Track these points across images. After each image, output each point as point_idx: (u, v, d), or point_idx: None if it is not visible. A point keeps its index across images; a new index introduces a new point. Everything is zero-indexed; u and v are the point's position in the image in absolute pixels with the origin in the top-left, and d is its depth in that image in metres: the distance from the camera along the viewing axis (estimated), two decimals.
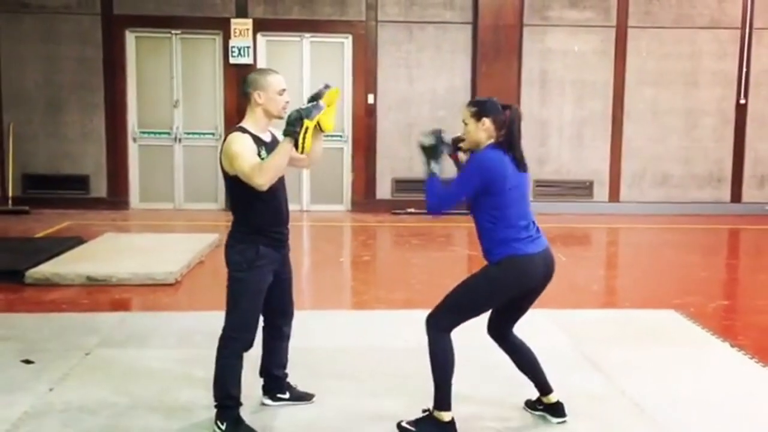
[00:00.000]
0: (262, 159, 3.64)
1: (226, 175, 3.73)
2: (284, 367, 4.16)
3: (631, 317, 6.01)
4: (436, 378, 3.75)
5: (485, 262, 3.80)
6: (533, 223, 3.83)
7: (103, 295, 6.62)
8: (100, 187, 11.51)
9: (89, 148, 11.43)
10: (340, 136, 11.58)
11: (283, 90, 3.79)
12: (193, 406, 4.11)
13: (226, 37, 11.28)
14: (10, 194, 11.20)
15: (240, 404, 3.78)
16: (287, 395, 4.17)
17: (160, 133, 11.57)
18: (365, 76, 11.51)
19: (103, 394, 4.24)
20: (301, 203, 11.60)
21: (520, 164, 3.78)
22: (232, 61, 11.29)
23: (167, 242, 8.55)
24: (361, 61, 11.50)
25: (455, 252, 9.03)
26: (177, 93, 11.51)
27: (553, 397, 4.01)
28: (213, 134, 11.56)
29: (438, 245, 9.45)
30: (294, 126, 3.56)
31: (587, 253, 9.39)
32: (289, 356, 4.16)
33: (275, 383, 4.14)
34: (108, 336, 5.32)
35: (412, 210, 11.24)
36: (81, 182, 11.45)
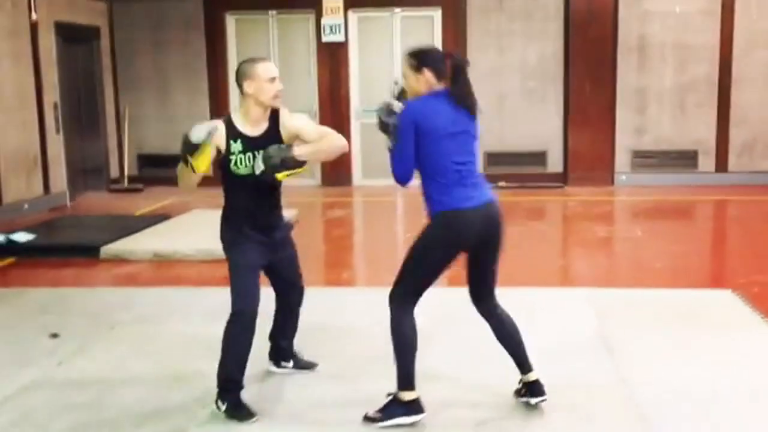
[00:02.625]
0: (232, 153, 3.64)
1: None
2: (290, 338, 4.19)
3: (680, 298, 5.49)
4: (397, 357, 3.55)
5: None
6: (474, 175, 3.56)
7: (165, 270, 6.78)
8: None
9: None
10: (307, 112, 11.29)
11: (274, 78, 3.69)
12: (194, 381, 4.06)
13: (319, 16, 11.24)
14: (126, 173, 11.73)
15: (241, 388, 3.70)
16: (291, 363, 4.21)
17: None
18: (454, 47, 11.14)
19: (106, 369, 4.32)
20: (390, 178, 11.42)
21: (470, 109, 3.55)
22: (324, 39, 11.25)
23: None
24: (451, 32, 11.14)
25: (534, 228, 8.61)
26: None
27: (532, 376, 3.71)
28: (308, 113, 11.58)
29: (522, 220, 9.06)
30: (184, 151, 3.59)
31: (672, 227, 8.65)
32: (336, 329, 4.34)
33: (280, 352, 4.20)
34: (142, 311, 5.42)
35: (503, 184, 10.85)
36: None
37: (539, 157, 11.18)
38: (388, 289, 3.62)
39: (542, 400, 3.70)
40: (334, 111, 11.47)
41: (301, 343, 4.27)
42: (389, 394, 3.64)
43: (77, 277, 6.66)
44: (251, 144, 3.67)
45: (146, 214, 9.45)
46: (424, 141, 3.48)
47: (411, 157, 3.51)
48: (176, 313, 5.37)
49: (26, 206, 9.45)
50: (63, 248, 7.29)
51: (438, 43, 11.14)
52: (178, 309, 5.45)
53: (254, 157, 3.65)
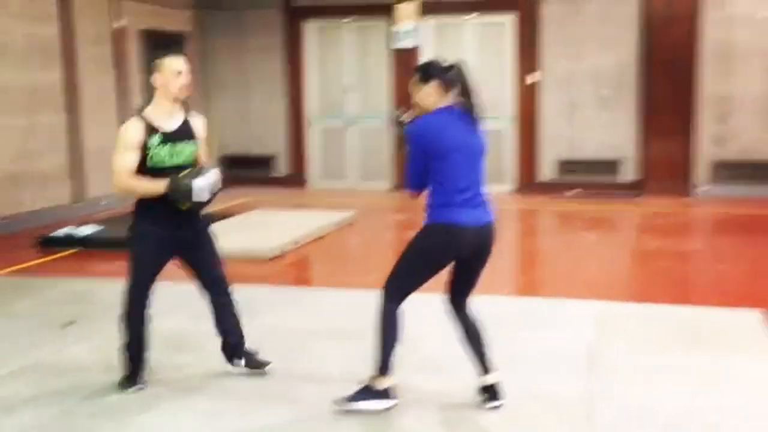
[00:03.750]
0: (148, 147, 3.71)
1: None
2: (233, 333, 4.13)
3: (701, 316, 5.10)
4: (379, 345, 3.64)
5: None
6: (478, 191, 3.61)
7: None
8: (282, 167, 12.08)
9: (274, 131, 12.03)
10: (504, 117, 11.10)
11: (180, 72, 3.77)
12: (165, 371, 4.17)
13: (393, 23, 11.24)
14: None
15: (141, 357, 3.94)
16: (242, 362, 4.16)
17: (335, 116, 11.86)
18: (528, 54, 10.88)
19: (93, 357, 4.45)
20: (347, 180, 11.61)
21: (474, 121, 3.59)
22: (397, 45, 11.24)
23: (296, 219, 8.75)
24: (525, 38, 10.88)
25: (586, 237, 8.26)
26: (350, 78, 11.70)
27: (489, 379, 3.70)
28: (380, 120, 11.62)
29: (578, 230, 8.73)
30: (180, 196, 3.71)
31: (737, 243, 7.97)
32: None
33: (228, 349, 4.17)
34: (157, 305, 5.54)
35: (572, 192, 10.51)
36: (266, 162, 12.09)
37: (612, 166, 10.73)
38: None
39: (497, 405, 3.67)
40: None
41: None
42: (362, 381, 3.70)
43: (120, 268, 6.89)
44: (167, 138, 3.77)
45: (213, 212, 9.68)
46: (432, 156, 3.52)
47: (422, 172, 3.57)
48: (182, 307, 5.45)
49: (104, 202, 9.91)
50: (117, 242, 7.57)
51: (511, 50, 10.94)
52: (186, 304, 5.52)
53: (170, 150, 3.76)
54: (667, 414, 3.61)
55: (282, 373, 4.15)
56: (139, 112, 3.80)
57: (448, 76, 3.57)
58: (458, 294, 3.73)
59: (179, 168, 3.77)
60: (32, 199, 8.83)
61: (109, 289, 5.94)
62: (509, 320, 4.97)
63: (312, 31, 11.78)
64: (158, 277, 3.94)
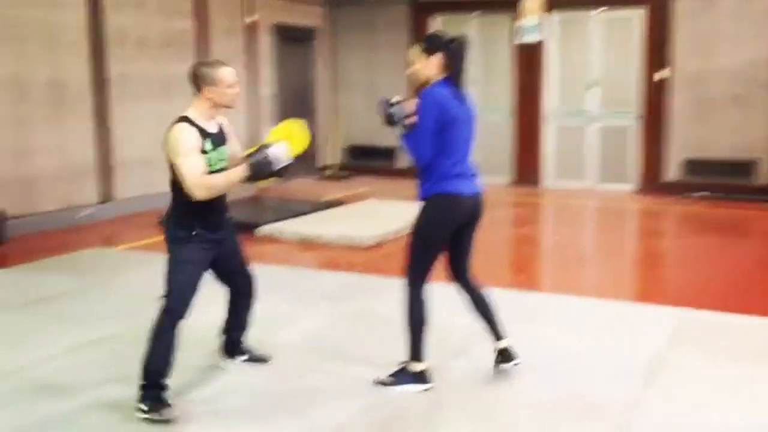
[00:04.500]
0: (206, 152, 3.55)
1: (170, 161, 3.57)
2: (244, 330, 4.15)
3: None
4: (409, 332, 3.74)
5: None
6: (471, 164, 3.74)
7: (301, 251, 7.17)
8: (403, 160, 12.18)
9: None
10: (630, 114, 10.69)
11: (232, 84, 3.62)
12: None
13: (518, 17, 11.07)
14: (335, 162, 12.45)
15: (167, 387, 3.58)
16: (245, 356, 4.18)
17: None
18: (657, 50, 10.40)
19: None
20: (587, 181, 11.02)
21: (463, 97, 3.67)
22: (522, 40, 11.06)
23: (405, 210, 8.78)
24: (654, 34, 10.40)
25: (699, 242, 7.83)
26: (474, 74, 11.63)
27: (502, 343, 3.91)
28: (504, 114, 11.49)
29: (692, 234, 8.29)
30: (262, 172, 3.54)
31: None
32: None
33: (235, 345, 4.16)
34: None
35: (700, 194, 9.97)
36: (389, 154, 12.22)
37: (744, 168, 10.05)
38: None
39: (515, 364, 3.90)
40: (528, 112, 11.26)
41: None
42: (401, 363, 3.82)
43: None
44: (216, 141, 3.65)
45: (331, 200, 9.93)
46: (443, 125, 3.57)
47: (433, 138, 3.57)
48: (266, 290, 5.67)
49: None
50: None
51: (639, 45, 10.50)
52: (272, 287, 5.75)
53: (218, 155, 3.62)
54: (711, 430, 3.41)
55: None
56: (185, 118, 3.59)
57: (452, 49, 3.62)
58: (458, 265, 3.85)
59: (222, 171, 3.64)
60: (164, 182, 9.41)
61: None
62: (591, 322, 4.89)
63: (437, 26, 11.80)
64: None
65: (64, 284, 5.78)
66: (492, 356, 3.94)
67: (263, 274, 6.08)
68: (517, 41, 11.11)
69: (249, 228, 7.76)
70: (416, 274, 3.70)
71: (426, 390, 3.75)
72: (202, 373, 4.05)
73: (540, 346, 4.39)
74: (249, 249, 7.11)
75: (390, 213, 8.59)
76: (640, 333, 4.68)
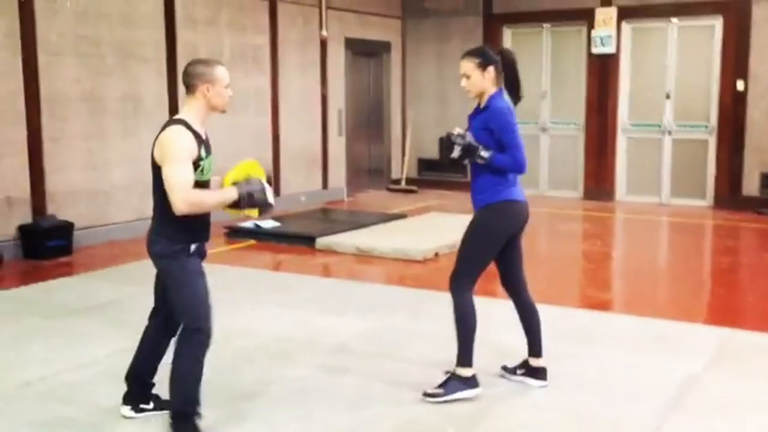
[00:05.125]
0: (201, 159, 3.28)
1: (154, 163, 3.30)
2: (156, 368, 3.63)
3: None
4: (460, 337, 3.77)
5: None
6: None
7: (354, 264, 7.21)
8: None
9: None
10: (705, 126, 10.30)
11: (228, 85, 3.39)
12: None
13: (591, 28, 10.84)
14: (404, 175, 12.47)
15: (198, 412, 3.35)
16: (151, 405, 3.65)
17: (528, 122, 11.63)
18: (735, 60, 9.98)
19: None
20: (660, 196, 10.65)
21: (519, 98, 3.85)
22: (594, 51, 10.83)
23: (457, 223, 8.71)
24: (732, 43, 9.99)
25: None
26: (545, 84, 11.46)
27: (539, 362, 3.96)
28: (575, 124, 11.26)
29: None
30: (252, 202, 3.34)
31: None
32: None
33: (146, 389, 3.65)
34: (292, 294, 5.90)
35: None
36: (461, 167, 12.15)
37: None
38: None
39: (542, 386, 3.92)
40: (600, 123, 10.99)
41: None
42: (447, 372, 3.84)
43: (275, 261, 7.38)
44: (207, 149, 3.39)
45: (394, 213, 9.97)
46: None
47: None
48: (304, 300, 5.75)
49: (303, 198, 10.59)
50: (291, 236, 8.12)
51: (717, 55, 10.11)
52: (312, 296, 5.83)
53: (209, 163, 3.37)
54: None
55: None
56: (181, 120, 3.31)
57: (504, 62, 3.78)
58: (513, 275, 3.93)
59: (208, 183, 3.43)
60: None
61: (253, 278, 6.48)
62: (631, 341, 4.77)
63: (511, 36, 11.69)
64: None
65: (122, 291, 6.00)
66: (521, 362, 4.03)
67: (306, 284, 6.30)
68: (592, 52, 10.86)
69: (310, 239, 7.88)
70: (467, 281, 3.76)
71: (478, 394, 3.77)
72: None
73: (573, 363, 4.30)
74: (306, 260, 7.39)
75: (449, 226, 8.49)
76: (678, 353, 4.53)
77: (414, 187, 12.19)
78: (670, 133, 10.53)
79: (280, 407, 3.81)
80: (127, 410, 3.63)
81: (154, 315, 3.61)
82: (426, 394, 3.77)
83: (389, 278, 6.69)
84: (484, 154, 3.70)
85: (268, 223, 8.46)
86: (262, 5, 9.99)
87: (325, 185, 11.20)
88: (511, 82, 3.77)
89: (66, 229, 7.52)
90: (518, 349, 4.10)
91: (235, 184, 3.38)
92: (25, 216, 7.47)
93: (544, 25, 11.32)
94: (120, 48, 8.25)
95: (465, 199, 10.43)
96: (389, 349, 4.67)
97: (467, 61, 3.73)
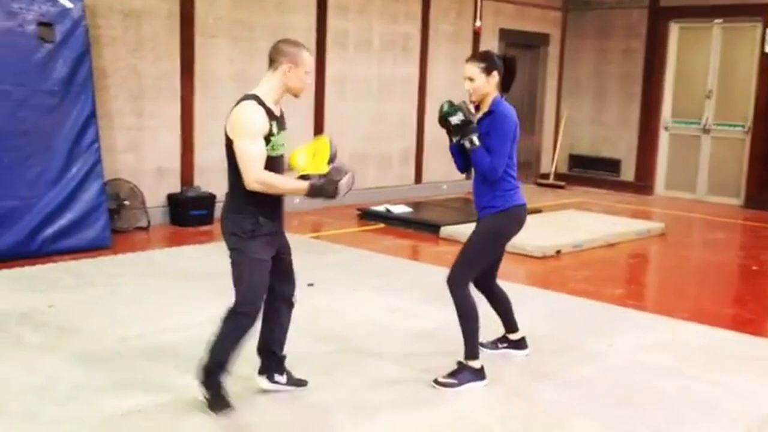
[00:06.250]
0: (272, 135, 3.30)
1: (228, 140, 3.32)
2: (283, 344, 3.67)
3: None
4: (465, 332, 3.83)
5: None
6: None
7: None
8: (629, 171, 11.51)
9: (624, 134, 11.50)
10: (742, 126, 9.60)
11: (308, 72, 3.40)
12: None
13: (766, 25, 9.92)
14: (553, 170, 12.07)
15: (227, 372, 3.46)
16: (284, 378, 3.71)
17: (690, 123, 10.90)
18: None
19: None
20: (695, 192, 10.33)
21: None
22: None
23: (599, 222, 8.35)
24: None
25: None
26: (711, 83, 10.64)
27: (517, 335, 4.27)
28: (743, 126, 10.37)
29: None
30: (324, 193, 3.32)
31: None
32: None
33: (275, 363, 3.68)
34: (386, 279, 5.89)
35: None
36: (614, 165, 11.62)
37: None
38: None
39: (526, 354, 4.24)
40: None
41: None
42: (459, 362, 3.87)
43: (395, 246, 7.37)
44: (281, 125, 3.40)
45: (531, 207, 9.61)
46: (513, 140, 3.79)
47: (506, 157, 3.78)
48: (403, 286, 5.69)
49: (444, 186, 10.53)
50: (417, 222, 8.11)
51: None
52: (418, 285, 5.76)
53: (281, 139, 3.37)
54: None
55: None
56: (254, 96, 3.32)
57: (506, 68, 3.82)
58: (491, 273, 4.08)
59: (281, 158, 3.43)
60: (376, 177, 9.80)
61: (366, 261, 6.52)
62: (725, 362, 4.34)
63: (676, 32, 10.95)
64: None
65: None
66: (500, 337, 4.30)
67: (414, 271, 6.25)
68: (765, 51, 9.96)
69: (435, 227, 7.84)
70: (467, 276, 3.83)
71: (485, 386, 3.83)
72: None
73: (657, 379, 3.99)
74: (425, 248, 7.35)
75: (582, 224, 8.18)
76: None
77: (562, 183, 11.79)
78: None
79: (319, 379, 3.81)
80: (263, 381, 3.68)
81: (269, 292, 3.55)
82: (437, 382, 3.82)
83: (504, 274, 6.49)
84: (475, 140, 3.73)
85: (398, 209, 8.50)
86: None
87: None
88: (504, 86, 3.84)
89: (208, 200, 7.94)
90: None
91: (308, 177, 3.36)
92: (174, 186, 7.98)
93: (716, 20, 10.49)
94: (272, 32, 8.55)
95: (612, 198, 10.11)
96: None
97: (472, 65, 3.77)
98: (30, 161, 6.39)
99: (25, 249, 6.26)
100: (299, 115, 8.98)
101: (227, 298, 3.43)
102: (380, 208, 8.45)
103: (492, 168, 3.72)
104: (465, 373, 3.83)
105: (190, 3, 7.87)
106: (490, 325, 4.21)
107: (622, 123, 11.47)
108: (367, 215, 8.47)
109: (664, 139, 11.15)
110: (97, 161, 6.80)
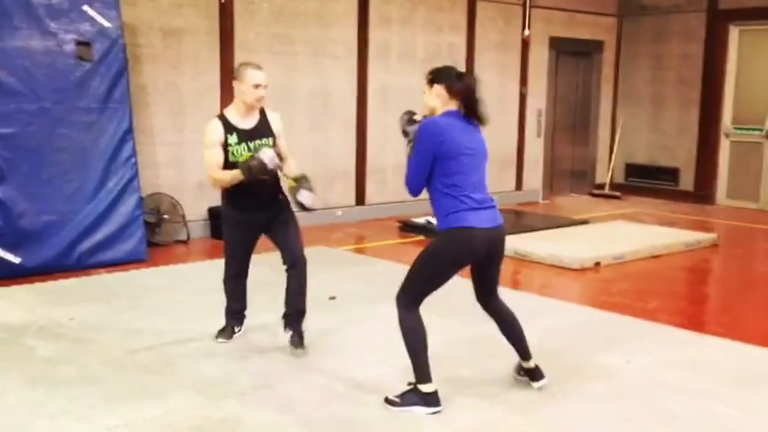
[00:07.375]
0: (230, 145, 4.14)
1: None
2: (290, 304, 4.38)
3: None
4: (408, 353, 3.62)
5: None
6: (485, 194, 3.60)
7: (505, 266, 6.81)
8: (688, 181, 11.01)
9: (683, 142, 11.02)
10: (760, 130, 9.24)
11: (257, 85, 4.13)
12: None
13: None
14: (609, 180, 11.65)
15: (234, 312, 4.61)
16: (288, 335, 4.40)
17: (752, 130, 10.36)
18: None
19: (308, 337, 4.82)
20: (758, 201, 9.84)
21: (480, 123, 3.63)
22: None
23: (645, 233, 7.99)
24: None
25: None
26: None
27: (531, 363, 3.88)
28: None
29: None
30: (252, 172, 4.05)
31: None
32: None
33: (284, 317, 4.43)
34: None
35: None
36: (672, 174, 11.14)
37: None
38: None
39: (542, 384, 3.85)
40: None
41: None
42: (410, 383, 3.67)
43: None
44: (245, 136, 4.18)
45: (577, 218, 9.30)
46: (442, 157, 3.49)
47: (424, 173, 3.54)
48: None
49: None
50: None
51: None
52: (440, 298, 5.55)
53: (248, 147, 4.16)
54: None
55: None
56: (220, 114, 4.28)
57: (456, 84, 3.56)
58: (483, 294, 3.80)
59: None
60: None
61: (396, 272, 6.35)
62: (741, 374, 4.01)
63: (736, 35, 10.44)
64: (251, 251, 4.51)
65: (271, 276, 6.18)
66: (516, 368, 3.96)
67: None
68: None
69: None
70: (412, 299, 3.60)
71: (433, 413, 3.55)
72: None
73: (670, 398, 3.72)
74: None
75: (627, 235, 7.84)
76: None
77: (618, 193, 11.37)
78: None
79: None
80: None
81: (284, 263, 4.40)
82: (386, 400, 3.67)
83: (528, 284, 6.27)
84: (408, 145, 3.64)
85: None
86: (461, 4, 9.83)
87: (518, 186, 10.81)
88: (467, 108, 3.57)
89: None
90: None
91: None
92: (215, 199, 7.99)
93: None
94: (312, 46, 8.56)
95: (672, 208, 9.62)
96: (477, 358, 4.35)
97: (424, 78, 3.65)
98: (68, 176, 6.52)
99: (63, 262, 6.37)
100: (342, 127, 8.96)
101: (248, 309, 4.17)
102: (421, 221, 8.30)
103: (406, 181, 3.60)
104: (411, 396, 3.63)
105: (229, 20, 7.93)
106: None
107: (681, 130, 11.00)
108: (407, 227, 8.34)
109: (724, 147, 10.63)
110: (134, 176, 6.88)
